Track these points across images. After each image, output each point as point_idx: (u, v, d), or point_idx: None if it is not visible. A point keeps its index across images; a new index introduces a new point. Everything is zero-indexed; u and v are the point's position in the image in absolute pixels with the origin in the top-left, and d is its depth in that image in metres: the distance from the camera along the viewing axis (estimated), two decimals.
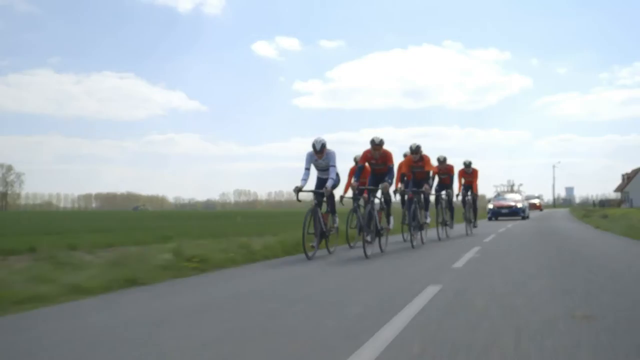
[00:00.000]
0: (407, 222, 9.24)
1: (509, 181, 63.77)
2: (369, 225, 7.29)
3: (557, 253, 7.67)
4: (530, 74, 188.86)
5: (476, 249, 8.16)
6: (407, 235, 9.53)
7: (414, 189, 9.41)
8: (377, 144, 7.94)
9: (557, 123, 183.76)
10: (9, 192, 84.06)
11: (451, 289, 4.27)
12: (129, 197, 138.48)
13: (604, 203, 60.16)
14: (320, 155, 7.63)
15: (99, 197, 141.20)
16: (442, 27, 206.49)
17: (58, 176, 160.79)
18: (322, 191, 7.50)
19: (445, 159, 11.43)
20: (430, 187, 10.46)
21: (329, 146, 7.72)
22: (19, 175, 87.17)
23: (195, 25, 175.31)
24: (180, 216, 33.32)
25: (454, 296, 3.97)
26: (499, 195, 26.66)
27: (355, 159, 9.65)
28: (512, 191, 32.78)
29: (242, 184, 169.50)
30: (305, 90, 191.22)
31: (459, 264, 6.13)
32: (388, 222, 8.49)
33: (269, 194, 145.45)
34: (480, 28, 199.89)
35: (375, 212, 7.61)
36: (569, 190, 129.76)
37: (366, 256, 6.81)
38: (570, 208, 47.92)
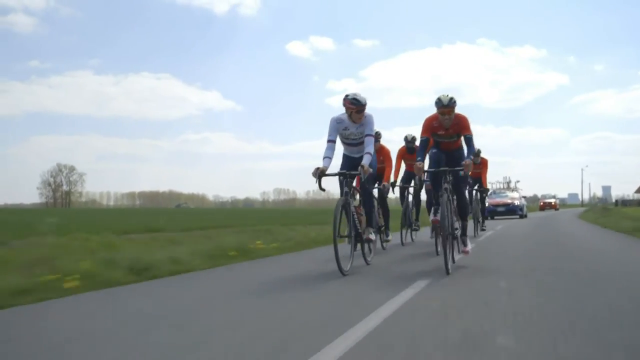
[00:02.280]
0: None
1: (505, 178, 63.99)
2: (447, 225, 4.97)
3: (542, 236, 10.40)
4: (566, 71, 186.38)
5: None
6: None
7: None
8: (446, 105, 5.21)
9: (594, 121, 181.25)
10: (72, 190, 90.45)
11: None
12: (171, 195, 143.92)
13: (626, 203, 61.45)
14: (358, 116, 5.28)
15: (142, 195, 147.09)
16: (476, 25, 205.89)
17: (97, 175, 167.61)
18: (357, 172, 5.12)
19: (479, 152, 10.32)
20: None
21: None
22: (80, 175, 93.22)
23: (230, 26, 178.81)
24: (230, 212, 34.89)
25: None
26: (494, 193, 23.88)
27: (406, 138, 8.43)
28: (508, 188, 31.22)
29: (281, 183, 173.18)
30: (339, 89, 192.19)
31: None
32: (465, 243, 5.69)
33: (307, 192, 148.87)
34: (515, 25, 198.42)
35: (450, 206, 5.22)
36: (606, 189, 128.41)
37: (448, 271, 4.72)
38: (589, 207, 48.83)
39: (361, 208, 5.51)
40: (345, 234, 5.26)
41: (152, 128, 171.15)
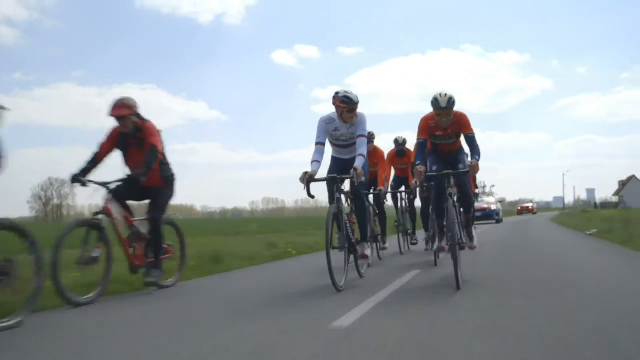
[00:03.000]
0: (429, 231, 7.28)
1: (480, 182, 65.53)
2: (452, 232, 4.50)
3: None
4: (550, 76, 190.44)
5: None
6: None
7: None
8: (444, 108, 4.69)
9: (578, 125, 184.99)
10: (64, 204, 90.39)
11: None
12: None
13: (605, 205, 64.82)
14: (350, 116, 4.85)
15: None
16: (460, 31, 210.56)
17: (84, 188, 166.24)
18: (350, 176, 4.68)
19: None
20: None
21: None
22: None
23: (215, 36, 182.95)
24: (220, 222, 35.62)
25: None
26: None
27: (396, 140, 7.80)
28: (484, 193, 31.69)
29: (269, 192, 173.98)
30: (325, 97, 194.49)
31: None
32: (471, 238, 5.32)
33: (296, 201, 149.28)
34: (499, 31, 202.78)
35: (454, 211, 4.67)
36: (590, 192, 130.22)
37: (459, 287, 4.25)
38: (570, 210, 50.83)
39: (353, 216, 5.04)
40: (337, 244, 4.65)
41: None
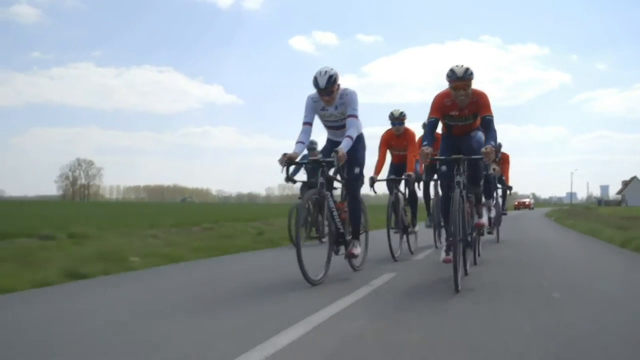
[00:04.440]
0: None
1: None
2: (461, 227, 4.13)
3: None
4: (569, 70, 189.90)
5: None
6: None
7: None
8: (460, 77, 4.27)
9: (595, 120, 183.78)
10: (91, 184, 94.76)
11: None
12: (175, 189, 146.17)
13: (608, 203, 67.73)
14: (328, 99, 4.49)
15: (147, 188, 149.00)
16: (480, 22, 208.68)
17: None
18: (331, 159, 4.31)
19: (500, 146, 9.16)
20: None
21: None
22: (99, 170, 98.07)
23: (234, 20, 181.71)
24: (242, 207, 36.23)
25: None
26: None
27: (392, 115, 6.43)
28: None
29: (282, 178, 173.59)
30: (341, 84, 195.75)
31: None
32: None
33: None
34: (519, 23, 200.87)
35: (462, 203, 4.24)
36: (604, 188, 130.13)
37: (457, 289, 3.86)
38: (567, 207, 52.60)
39: (345, 204, 4.69)
40: (317, 234, 4.43)
41: (154, 121, 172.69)
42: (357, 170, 4.68)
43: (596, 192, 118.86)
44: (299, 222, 4.20)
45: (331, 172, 4.69)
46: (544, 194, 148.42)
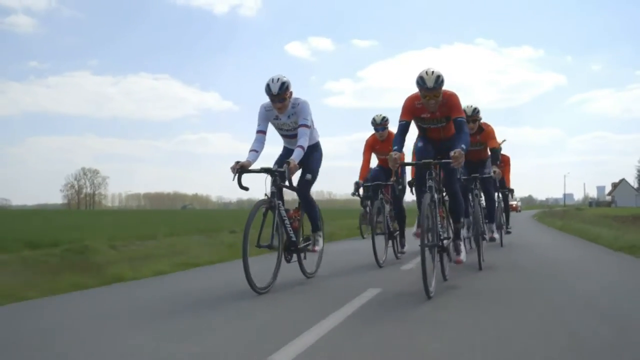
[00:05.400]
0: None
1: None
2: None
3: None
4: (564, 71, 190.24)
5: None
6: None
7: (472, 175, 6.17)
8: (430, 89, 4.20)
9: (591, 121, 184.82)
10: (96, 193, 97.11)
11: None
12: (175, 197, 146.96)
13: (600, 204, 70.42)
14: (280, 106, 4.49)
15: (147, 196, 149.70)
16: (474, 25, 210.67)
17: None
18: (282, 169, 4.35)
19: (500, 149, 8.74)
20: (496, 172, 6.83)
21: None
22: (104, 179, 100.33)
23: (230, 27, 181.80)
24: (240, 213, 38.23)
25: None
26: None
27: (374, 120, 6.33)
28: None
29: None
30: (337, 89, 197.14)
31: None
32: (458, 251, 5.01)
33: (312, 193, 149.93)
34: (513, 26, 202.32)
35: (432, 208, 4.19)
36: (600, 189, 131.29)
37: (429, 295, 3.77)
38: (560, 207, 55.36)
39: (299, 212, 4.78)
40: (268, 243, 4.28)
41: (151, 128, 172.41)
42: (308, 176, 4.76)
43: (592, 193, 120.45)
44: (247, 230, 4.01)
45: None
46: (540, 196, 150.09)
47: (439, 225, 4.24)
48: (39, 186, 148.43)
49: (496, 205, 7.78)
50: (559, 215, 25.16)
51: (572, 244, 9.88)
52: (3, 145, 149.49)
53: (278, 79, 4.44)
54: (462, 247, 4.73)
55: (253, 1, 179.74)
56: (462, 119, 4.34)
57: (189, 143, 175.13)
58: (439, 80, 4.20)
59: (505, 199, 9.80)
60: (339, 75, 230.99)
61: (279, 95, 4.43)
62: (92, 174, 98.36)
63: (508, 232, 9.78)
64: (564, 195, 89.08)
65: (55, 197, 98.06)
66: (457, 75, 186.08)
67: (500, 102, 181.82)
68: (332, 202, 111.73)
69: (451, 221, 4.70)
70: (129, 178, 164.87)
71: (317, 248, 4.93)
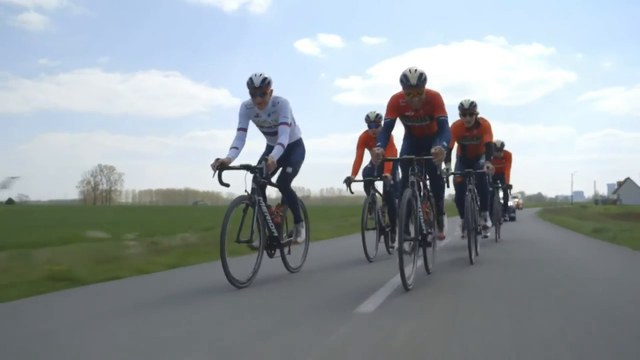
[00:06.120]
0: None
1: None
2: (407, 226, 4.21)
3: None
4: (574, 69, 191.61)
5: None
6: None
7: (468, 169, 6.33)
8: (414, 85, 4.38)
9: (601, 118, 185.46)
10: (112, 189, 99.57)
11: None
12: (187, 193, 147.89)
13: (605, 201, 71.85)
14: (260, 101, 4.56)
15: (158, 192, 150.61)
16: (485, 22, 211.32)
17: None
18: (260, 166, 4.42)
19: (503, 145, 9.32)
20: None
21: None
22: (120, 175, 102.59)
23: (240, 24, 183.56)
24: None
25: None
26: None
27: (368, 117, 6.40)
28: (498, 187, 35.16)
29: (295, 180, 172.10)
30: (346, 86, 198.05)
31: None
32: (440, 227, 5.12)
33: (321, 190, 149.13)
34: (524, 23, 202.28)
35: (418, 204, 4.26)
36: (611, 186, 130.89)
37: (407, 287, 3.78)
38: (567, 205, 56.74)
39: (281, 208, 4.85)
40: (247, 238, 4.30)
41: (160, 125, 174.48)
42: (289, 169, 4.79)
43: (602, 191, 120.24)
44: (224, 226, 3.96)
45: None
46: (550, 193, 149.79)
47: (422, 220, 4.30)
48: (51, 182, 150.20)
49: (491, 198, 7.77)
50: (559, 212, 27.58)
51: (556, 232, 12.90)
52: (15, 142, 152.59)
53: (261, 74, 4.56)
54: (445, 220, 5.10)
55: None
56: (444, 118, 4.51)
57: (199, 139, 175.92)
58: (421, 77, 4.37)
59: (506, 195, 9.95)
60: (349, 72, 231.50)
61: (260, 88, 4.50)
62: (108, 171, 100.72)
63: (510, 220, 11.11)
64: (571, 193, 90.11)
65: (67, 193, 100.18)
66: (467, 73, 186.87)
67: (511, 100, 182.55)
68: (342, 199, 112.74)
69: (434, 209, 4.84)
70: (139, 174, 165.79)
71: (299, 240, 4.97)
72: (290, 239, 4.95)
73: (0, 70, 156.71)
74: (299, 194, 5.31)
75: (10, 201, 63.82)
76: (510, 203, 18.98)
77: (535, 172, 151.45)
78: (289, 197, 4.91)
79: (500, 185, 9.51)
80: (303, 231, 5.04)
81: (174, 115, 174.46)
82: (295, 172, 4.89)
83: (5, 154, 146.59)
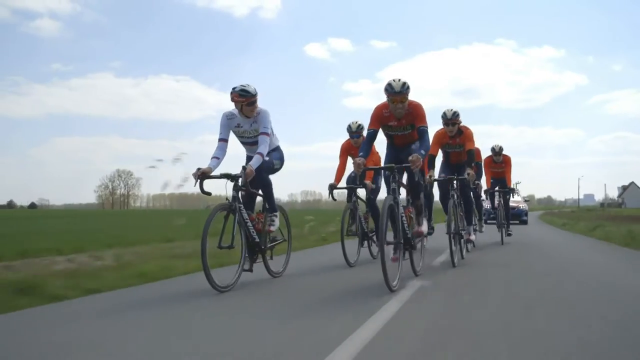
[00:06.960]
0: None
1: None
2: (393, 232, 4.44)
3: None
4: (585, 72, 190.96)
5: None
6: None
7: (450, 176, 6.58)
8: (397, 92, 4.70)
9: (612, 121, 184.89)
10: (130, 193, 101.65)
11: None
12: (199, 197, 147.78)
13: (610, 205, 74.05)
14: (250, 109, 4.76)
15: (171, 197, 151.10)
16: (494, 25, 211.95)
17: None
18: (238, 174, 4.55)
19: (501, 149, 9.54)
20: (480, 176, 8.26)
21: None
22: (137, 180, 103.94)
23: (250, 29, 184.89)
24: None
25: None
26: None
27: (349, 128, 6.54)
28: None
29: (305, 185, 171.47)
30: (355, 90, 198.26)
31: None
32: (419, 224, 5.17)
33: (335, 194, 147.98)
34: (534, 26, 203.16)
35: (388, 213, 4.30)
36: (621, 190, 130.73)
37: (391, 288, 4.02)
38: (572, 208, 57.61)
39: (262, 215, 4.97)
40: (229, 244, 4.34)
41: (171, 129, 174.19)
42: (254, 173, 4.71)
43: (613, 194, 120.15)
44: (205, 232, 4.08)
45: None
46: (560, 197, 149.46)
47: (405, 225, 4.57)
48: (64, 186, 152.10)
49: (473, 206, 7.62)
50: (558, 215, 29.86)
51: (553, 232, 15.38)
52: (28, 146, 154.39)
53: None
54: (424, 220, 5.21)
55: (273, 3, 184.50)
56: (424, 128, 4.72)
57: (209, 144, 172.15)
58: (404, 86, 4.66)
59: (507, 200, 9.80)
60: (358, 76, 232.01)
61: (254, 95, 4.70)
62: (126, 175, 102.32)
63: (509, 234, 9.91)
64: (579, 197, 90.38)
65: (82, 197, 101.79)
66: (477, 76, 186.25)
67: (521, 103, 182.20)
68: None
69: (414, 207, 5.04)
70: (151, 178, 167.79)
71: (272, 228, 5.04)
72: (272, 244, 5.14)
73: (13, 76, 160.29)
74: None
75: (32, 205, 65.44)
76: (522, 206, 19.28)
77: (545, 175, 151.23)
78: (264, 183, 4.93)
79: (501, 190, 9.67)
80: (277, 220, 5.09)
81: (185, 119, 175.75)
82: (274, 168, 5.04)
83: (17, 157, 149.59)
